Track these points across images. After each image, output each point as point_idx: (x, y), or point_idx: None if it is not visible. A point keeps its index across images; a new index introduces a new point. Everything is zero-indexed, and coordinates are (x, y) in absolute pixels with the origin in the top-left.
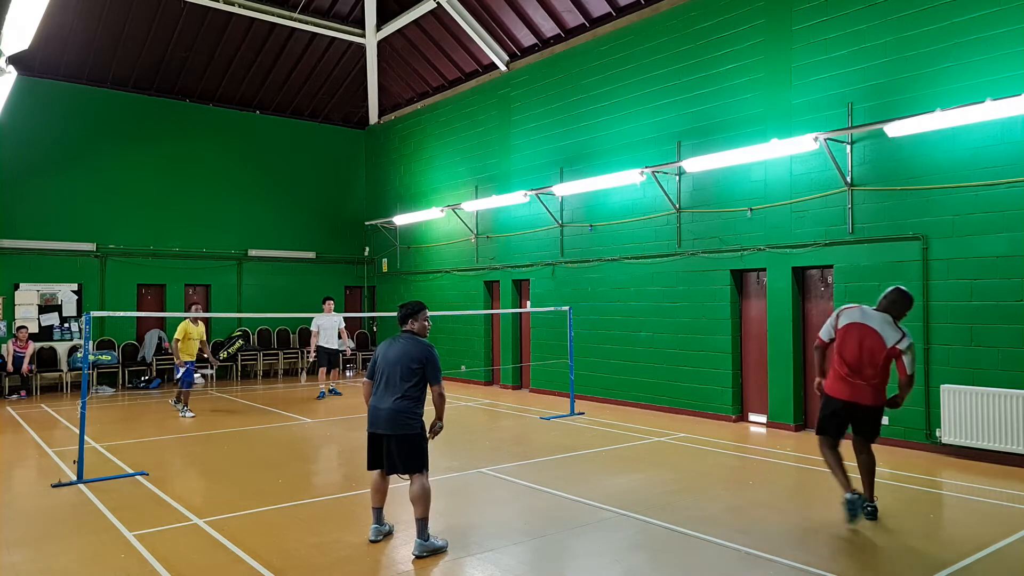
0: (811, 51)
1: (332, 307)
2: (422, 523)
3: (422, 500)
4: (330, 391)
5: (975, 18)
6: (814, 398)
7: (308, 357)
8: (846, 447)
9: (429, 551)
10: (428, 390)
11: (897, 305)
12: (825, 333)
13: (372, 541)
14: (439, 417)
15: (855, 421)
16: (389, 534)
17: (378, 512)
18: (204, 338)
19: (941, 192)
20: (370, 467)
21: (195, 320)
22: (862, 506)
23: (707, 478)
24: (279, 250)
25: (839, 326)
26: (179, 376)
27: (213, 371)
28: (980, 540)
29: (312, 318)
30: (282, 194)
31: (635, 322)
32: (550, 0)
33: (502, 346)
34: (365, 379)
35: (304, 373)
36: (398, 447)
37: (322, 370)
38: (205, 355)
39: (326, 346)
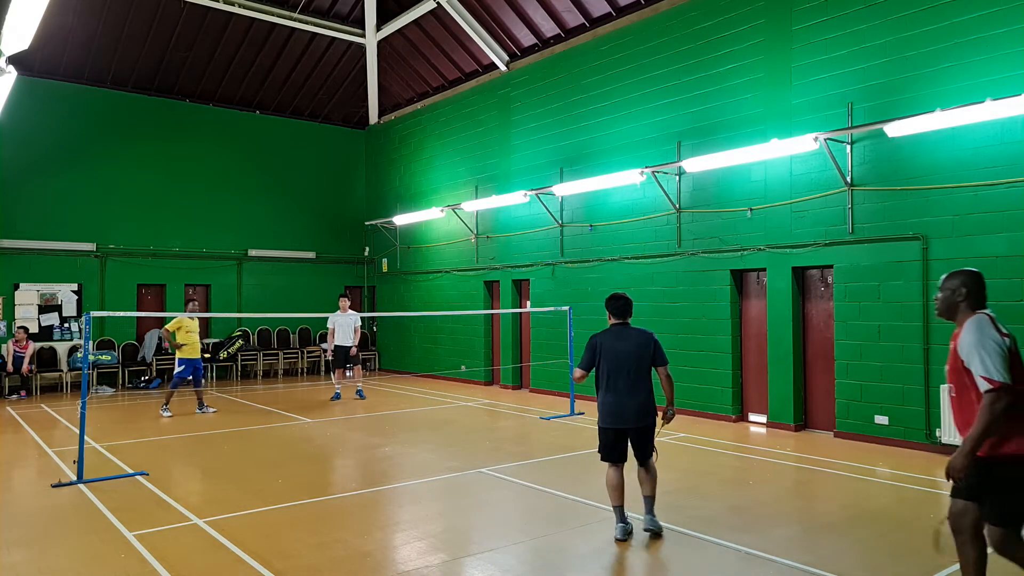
0: (811, 51)
1: (347, 305)
2: (651, 500)
3: (656, 478)
4: (356, 394)
5: (975, 18)
6: (814, 398)
7: (328, 355)
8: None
9: (659, 526)
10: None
11: None
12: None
13: (619, 540)
14: (671, 402)
15: None
16: (631, 533)
17: (621, 511)
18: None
19: (941, 192)
20: (613, 460)
21: (192, 317)
22: None
23: (707, 478)
24: (279, 250)
25: None
26: (178, 372)
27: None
28: None
29: (312, 317)
30: (282, 194)
31: (635, 322)
32: (550, 0)
33: (502, 346)
34: (580, 369)
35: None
36: (641, 437)
37: (339, 370)
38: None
39: (342, 344)
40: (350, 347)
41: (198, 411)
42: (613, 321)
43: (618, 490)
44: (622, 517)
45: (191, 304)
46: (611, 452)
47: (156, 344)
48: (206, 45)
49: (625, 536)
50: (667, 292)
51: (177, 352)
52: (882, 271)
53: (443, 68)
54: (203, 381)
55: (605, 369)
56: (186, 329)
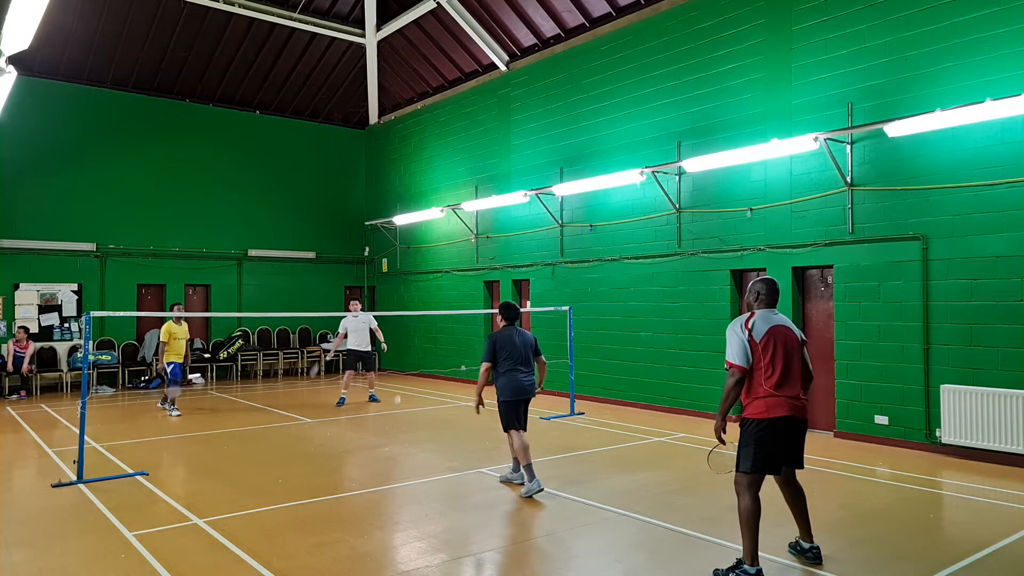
0: (811, 51)
1: (358, 307)
2: (527, 468)
3: (519, 450)
4: (370, 398)
5: (975, 18)
6: (813, 398)
7: (327, 356)
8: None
9: (532, 492)
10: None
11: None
12: None
13: (536, 493)
14: (542, 381)
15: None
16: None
17: (532, 469)
18: (188, 336)
19: (941, 192)
20: (517, 426)
21: (178, 320)
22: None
23: (707, 478)
24: (279, 250)
25: None
26: (167, 376)
27: (195, 374)
28: (980, 540)
29: (312, 317)
30: (282, 194)
31: (635, 322)
32: (550, 0)
33: None
34: (485, 363)
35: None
36: (527, 406)
37: (349, 372)
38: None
39: (357, 349)
40: (364, 351)
41: (162, 404)
42: (506, 324)
43: (528, 450)
44: (534, 475)
45: (176, 307)
46: (515, 420)
47: (156, 344)
48: (206, 45)
49: (541, 488)
50: (667, 292)
51: (164, 356)
52: (882, 271)
53: (443, 68)
54: (177, 384)
55: (507, 358)
56: (174, 336)
